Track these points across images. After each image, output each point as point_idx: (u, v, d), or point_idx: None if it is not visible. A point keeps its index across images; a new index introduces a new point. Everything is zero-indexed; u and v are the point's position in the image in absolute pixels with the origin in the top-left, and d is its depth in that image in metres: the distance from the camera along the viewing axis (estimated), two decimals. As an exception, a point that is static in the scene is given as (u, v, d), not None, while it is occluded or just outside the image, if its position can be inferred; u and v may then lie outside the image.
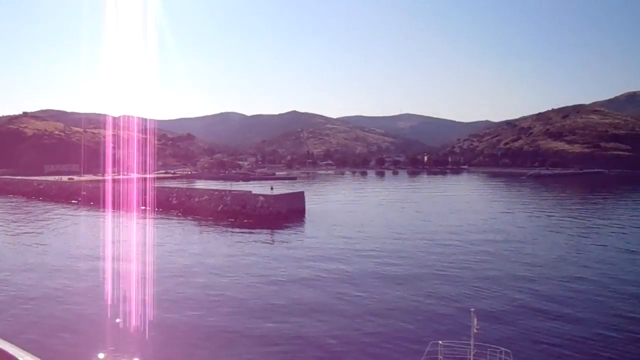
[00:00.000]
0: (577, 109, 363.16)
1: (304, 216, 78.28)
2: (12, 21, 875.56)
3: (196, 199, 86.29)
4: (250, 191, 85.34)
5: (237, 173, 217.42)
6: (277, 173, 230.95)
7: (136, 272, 40.42)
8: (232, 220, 73.75)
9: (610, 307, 31.57)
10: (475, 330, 15.53)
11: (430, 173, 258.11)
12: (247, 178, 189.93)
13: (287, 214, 75.47)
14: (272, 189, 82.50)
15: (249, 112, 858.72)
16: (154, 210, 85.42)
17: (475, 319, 15.47)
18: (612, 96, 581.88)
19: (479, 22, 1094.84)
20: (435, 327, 27.87)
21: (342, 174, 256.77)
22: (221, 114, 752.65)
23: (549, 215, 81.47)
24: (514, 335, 26.36)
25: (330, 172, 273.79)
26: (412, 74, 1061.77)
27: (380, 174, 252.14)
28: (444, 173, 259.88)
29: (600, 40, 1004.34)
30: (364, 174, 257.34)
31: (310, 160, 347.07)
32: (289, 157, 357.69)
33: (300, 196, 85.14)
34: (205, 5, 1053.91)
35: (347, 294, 34.79)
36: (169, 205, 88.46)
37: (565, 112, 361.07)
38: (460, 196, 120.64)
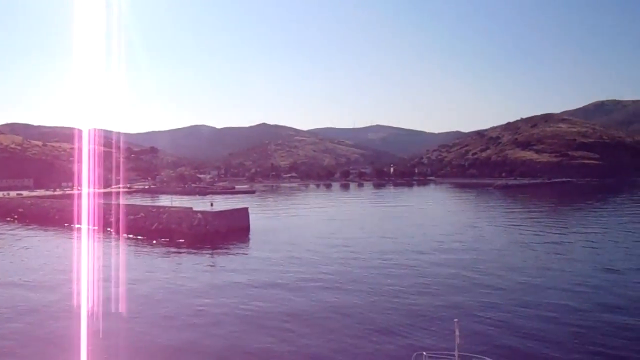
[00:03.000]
0: (546, 118, 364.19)
1: (247, 234, 71.17)
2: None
3: (132, 217, 78.66)
4: (192, 207, 78.29)
5: (195, 187, 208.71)
6: (237, 186, 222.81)
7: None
8: (167, 240, 66.26)
9: (588, 317, 31.49)
10: (458, 341, 15.16)
11: (396, 185, 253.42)
12: (204, 192, 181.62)
13: (226, 232, 68.36)
14: (211, 204, 75.24)
15: (219, 125, 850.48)
16: (90, 227, 77.60)
17: (458, 330, 15.06)
18: (580, 105, 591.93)
19: (449, 34, 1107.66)
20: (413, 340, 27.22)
21: (307, 186, 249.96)
22: (191, 126, 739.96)
23: (516, 228, 75.89)
24: (497, 345, 26.39)
25: (293, 184, 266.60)
26: (383, 85, 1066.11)
27: (345, 187, 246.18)
28: (410, 185, 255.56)
29: (569, 50, 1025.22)
30: (328, 186, 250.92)
31: (274, 173, 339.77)
32: (253, 170, 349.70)
33: (243, 212, 77.75)
34: (175, 18, 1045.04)
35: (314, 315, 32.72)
36: (106, 222, 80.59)
37: (533, 122, 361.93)
38: (423, 209, 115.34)
